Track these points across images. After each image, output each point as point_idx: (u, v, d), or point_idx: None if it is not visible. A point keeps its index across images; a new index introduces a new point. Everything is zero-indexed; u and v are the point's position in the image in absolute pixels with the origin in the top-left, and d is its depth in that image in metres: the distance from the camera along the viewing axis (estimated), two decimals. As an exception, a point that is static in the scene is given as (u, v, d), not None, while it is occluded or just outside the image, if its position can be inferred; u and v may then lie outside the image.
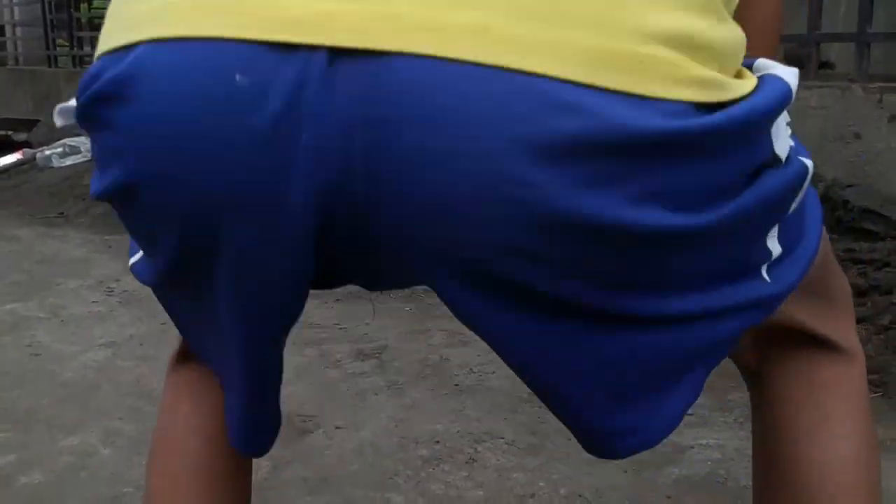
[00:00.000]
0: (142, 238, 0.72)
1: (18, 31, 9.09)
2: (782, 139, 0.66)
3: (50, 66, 7.99)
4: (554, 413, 0.72)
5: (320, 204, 0.59)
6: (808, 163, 0.69)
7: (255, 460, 1.83)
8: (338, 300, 2.98)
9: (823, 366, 0.86)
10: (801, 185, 0.69)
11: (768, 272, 0.69)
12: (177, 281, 0.72)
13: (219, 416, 0.86)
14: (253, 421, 0.80)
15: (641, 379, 0.68)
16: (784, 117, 0.66)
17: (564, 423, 0.72)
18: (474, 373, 2.29)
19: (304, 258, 0.63)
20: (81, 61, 7.72)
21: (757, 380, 0.91)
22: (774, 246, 0.69)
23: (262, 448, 0.84)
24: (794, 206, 0.70)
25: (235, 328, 0.69)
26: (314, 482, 1.74)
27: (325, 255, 0.64)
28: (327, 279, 0.72)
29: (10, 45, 9.16)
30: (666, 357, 0.68)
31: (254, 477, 1.75)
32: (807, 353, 0.86)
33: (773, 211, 0.67)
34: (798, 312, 0.83)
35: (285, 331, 0.73)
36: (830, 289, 0.87)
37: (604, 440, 0.72)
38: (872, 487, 0.83)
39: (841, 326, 0.87)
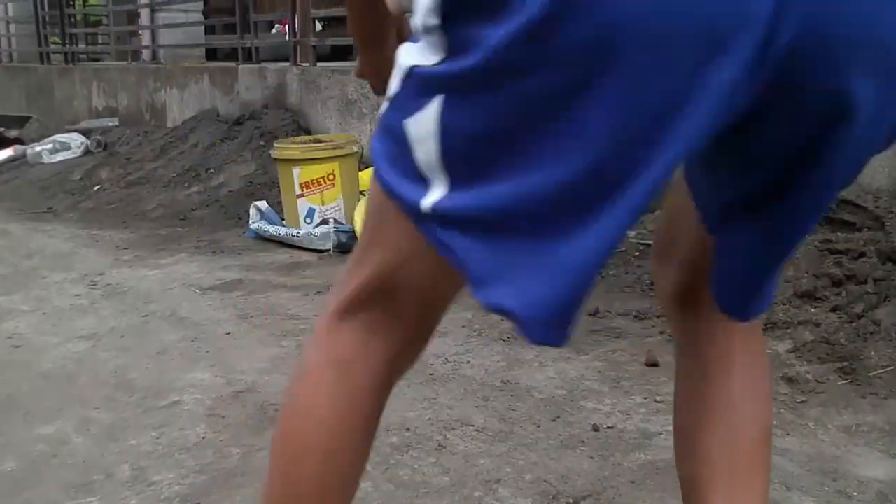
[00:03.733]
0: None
1: (12, 27, 9.10)
2: None
3: (42, 62, 7.99)
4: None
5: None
6: None
7: (225, 448, 1.85)
8: (318, 292, 3.00)
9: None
10: None
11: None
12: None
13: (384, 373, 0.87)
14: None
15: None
16: None
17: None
18: (449, 362, 2.31)
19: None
20: (74, 58, 7.73)
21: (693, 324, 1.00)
22: None
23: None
24: None
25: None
26: (283, 468, 1.75)
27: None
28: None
29: (3, 42, 9.17)
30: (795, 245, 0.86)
31: (224, 464, 1.78)
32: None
33: None
34: None
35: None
36: None
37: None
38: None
39: None
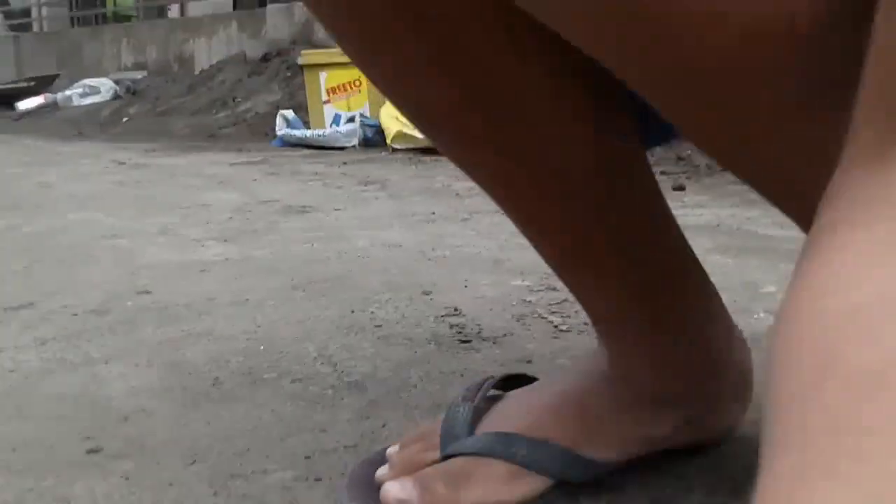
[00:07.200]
0: None
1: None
2: None
3: (73, 26, 8.11)
4: None
5: None
6: None
7: (253, 222, 1.85)
8: (344, 163, 3.02)
9: None
10: None
11: None
12: None
13: None
14: None
15: None
16: None
17: None
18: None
19: None
20: (104, 19, 7.83)
21: None
22: None
23: None
24: None
25: None
26: (310, 228, 1.76)
27: None
28: None
29: (34, 11, 9.32)
30: None
31: (248, 227, 1.78)
32: None
33: None
34: None
35: None
36: None
37: None
38: None
39: None
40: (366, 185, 2.42)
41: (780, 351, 0.23)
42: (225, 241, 1.63)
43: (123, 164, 3.24)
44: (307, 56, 3.86)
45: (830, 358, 0.21)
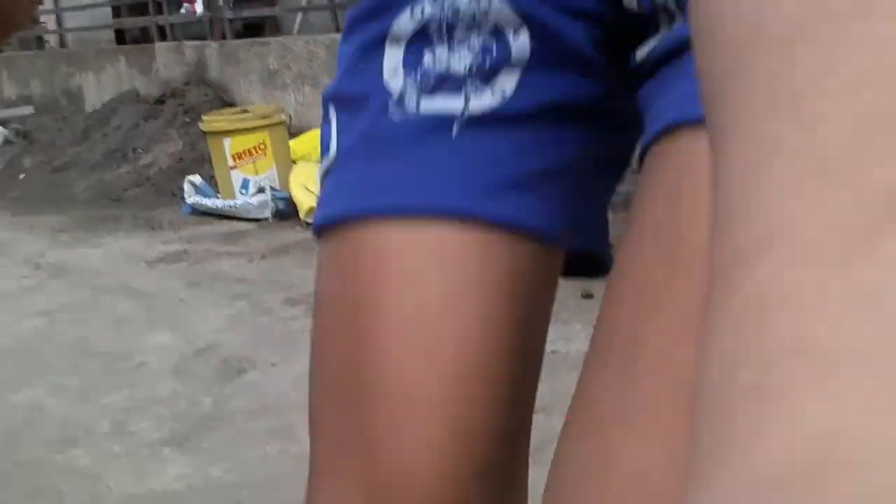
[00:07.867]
0: None
1: None
2: None
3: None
4: None
5: None
6: None
7: (195, 397, 1.96)
8: (263, 257, 3.10)
9: None
10: None
11: None
12: None
13: None
14: None
15: None
16: None
17: None
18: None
19: None
20: None
21: None
22: None
23: None
24: None
25: None
26: (255, 410, 1.88)
27: None
28: None
29: None
30: None
31: (197, 411, 1.89)
32: None
33: None
34: None
35: None
36: None
37: None
38: None
39: None
40: (292, 307, 2.53)
41: (703, 24, 0.20)
42: (180, 446, 1.74)
43: (40, 266, 3.25)
44: (210, 122, 3.88)
45: (755, 19, 0.19)
